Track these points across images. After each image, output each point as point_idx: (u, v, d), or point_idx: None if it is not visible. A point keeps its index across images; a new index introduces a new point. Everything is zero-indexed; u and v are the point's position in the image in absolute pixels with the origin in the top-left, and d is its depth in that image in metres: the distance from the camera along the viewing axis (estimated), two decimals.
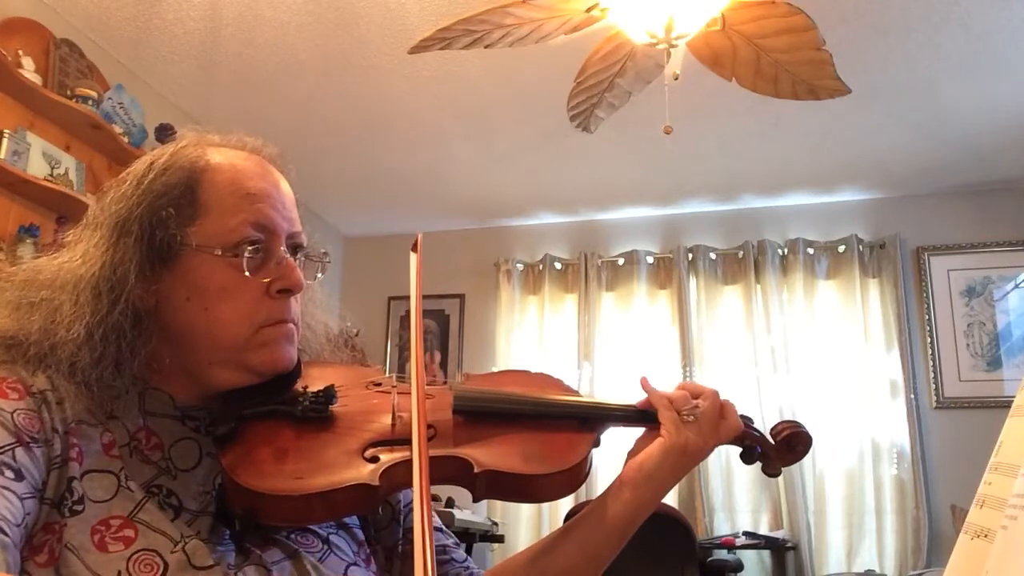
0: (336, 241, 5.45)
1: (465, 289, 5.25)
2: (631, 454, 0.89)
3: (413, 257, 0.84)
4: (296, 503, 0.73)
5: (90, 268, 0.78)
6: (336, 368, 0.92)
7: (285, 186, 0.86)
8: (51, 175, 2.97)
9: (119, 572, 0.68)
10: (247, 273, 0.79)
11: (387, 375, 0.92)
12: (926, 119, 3.88)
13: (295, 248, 0.85)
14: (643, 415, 0.91)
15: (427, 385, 0.83)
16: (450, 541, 0.94)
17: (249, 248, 0.79)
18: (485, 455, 0.79)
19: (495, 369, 4.94)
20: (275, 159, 0.89)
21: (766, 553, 4.38)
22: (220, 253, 0.79)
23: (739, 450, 0.92)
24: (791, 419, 0.92)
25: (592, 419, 0.88)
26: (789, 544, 4.26)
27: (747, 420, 0.91)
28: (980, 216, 4.59)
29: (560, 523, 1.07)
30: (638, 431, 0.92)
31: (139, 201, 0.80)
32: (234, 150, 0.86)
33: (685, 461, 0.87)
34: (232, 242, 0.79)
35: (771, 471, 0.92)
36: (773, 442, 0.90)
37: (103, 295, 0.76)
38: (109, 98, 3.18)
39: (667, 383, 0.89)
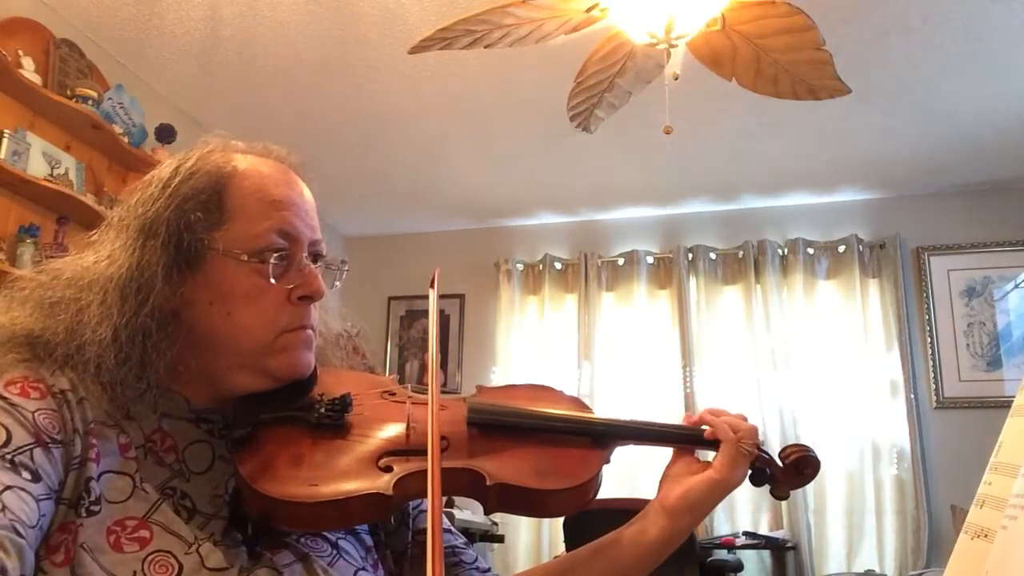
0: (336, 241, 5.45)
1: (465, 289, 5.25)
2: (669, 478, 0.89)
3: (432, 293, 0.87)
4: (310, 510, 0.73)
5: (117, 269, 0.78)
6: (350, 376, 0.93)
7: (308, 194, 0.87)
8: (51, 175, 2.97)
9: (134, 572, 0.68)
10: (272, 280, 0.80)
11: (402, 385, 0.92)
12: (926, 119, 3.88)
13: (315, 256, 0.85)
14: (675, 436, 0.91)
15: (441, 395, 0.84)
16: (459, 541, 0.95)
17: (274, 255, 0.80)
18: (498, 468, 0.79)
19: (495, 369, 4.97)
20: (298, 167, 0.89)
21: (766, 553, 4.38)
22: (246, 259, 0.79)
23: (748, 472, 0.92)
24: (800, 443, 0.92)
25: (604, 436, 0.88)
26: (789, 544, 4.27)
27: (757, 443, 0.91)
28: (980, 216, 4.59)
29: (559, 525, 1.08)
30: (649, 448, 0.92)
31: (167, 204, 0.80)
32: (259, 157, 0.87)
33: (727, 492, 0.87)
34: (258, 248, 0.80)
35: (779, 494, 0.92)
36: (782, 465, 0.90)
37: (130, 296, 0.77)
38: (109, 98, 3.18)
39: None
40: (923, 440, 4.39)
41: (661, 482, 0.90)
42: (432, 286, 0.89)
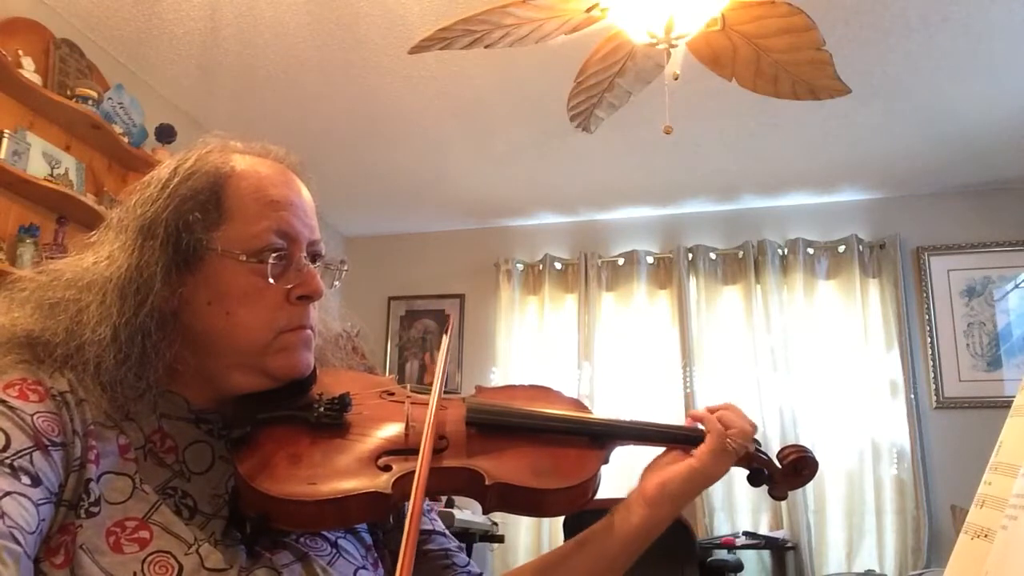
0: (336, 241, 5.45)
1: (465, 289, 5.25)
2: (652, 468, 0.89)
3: (444, 339, 0.89)
4: (309, 509, 0.73)
5: (116, 270, 0.78)
6: (350, 376, 0.93)
7: (306, 194, 0.87)
8: (51, 175, 2.97)
9: (134, 573, 0.68)
10: (271, 280, 0.80)
11: (400, 385, 0.93)
12: (926, 119, 3.88)
13: (314, 256, 0.86)
14: (673, 437, 0.91)
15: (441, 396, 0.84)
16: (452, 544, 0.95)
17: (273, 255, 0.80)
18: (496, 468, 0.80)
19: (495, 369, 4.97)
20: (296, 167, 0.89)
21: (766, 553, 4.38)
22: (244, 259, 0.79)
23: (746, 472, 0.92)
24: (798, 443, 0.92)
25: (603, 436, 0.88)
26: (789, 544, 4.26)
27: (755, 443, 0.91)
28: (980, 216, 4.59)
29: (560, 525, 1.08)
30: (649, 448, 0.92)
31: (165, 204, 0.80)
32: (258, 157, 0.87)
33: (707, 483, 0.87)
34: (256, 248, 0.80)
35: (777, 494, 0.92)
36: (780, 466, 0.90)
37: (129, 297, 0.77)
38: (109, 98, 3.18)
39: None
40: (923, 440, 4.39)
41: (643, 472, 0.90)
42: (446, 332, 0.92)
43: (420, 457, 0.71)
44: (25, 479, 0.66)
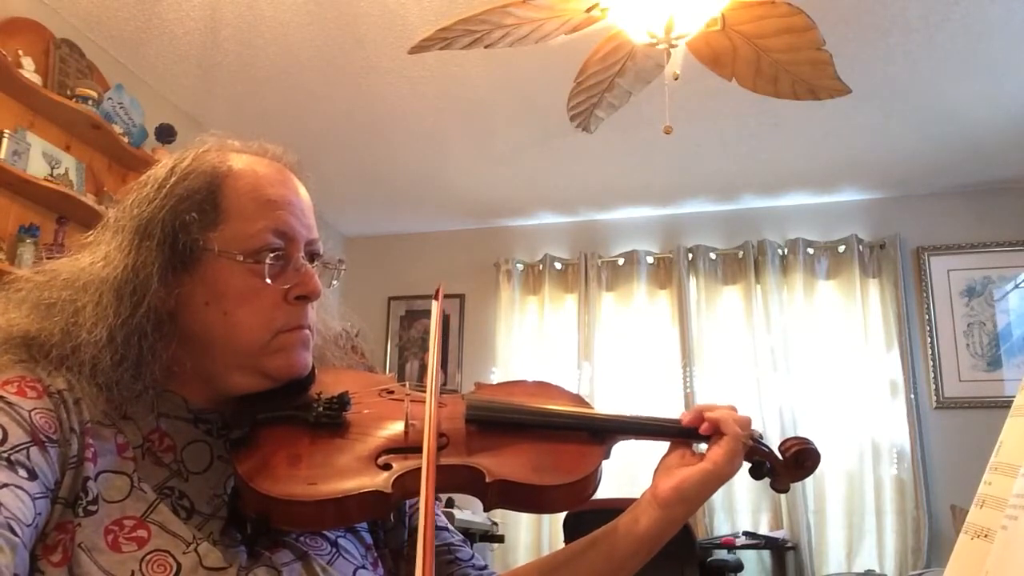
0: (336, 241, 5.45)
1: (465, 289, 5.25)
2: (662, 469, 0.88)
3: (435, 304, 0.89)
4: (309, 509, 0.73)
5: (112, 270, 0.78)
6: (349, 375, 0.93)
7: (304, 193, 0.87)
8: (51, 175, 2.97)
9: (132, 572, 0.68)
10: (268, 280, 0.79)
11: (399, 383, 0.92)
12: (926, 119, 3.88)
13: (312, 255, 0.85)
14: (674, 431, 0.90)
15: (440, 394, 0.84)
16: (456, 539, 0.95)
17: (270, 255, 0.80)
18: (497, 465, 0.79)
19: (495, 369, 4.98)
20: (294, 166, 0.89)
21: (766, 553, 4.38)
22: (241, 259, 0.79)
23: (748, 465, 0.91)
24: (800, 435, 0.92)
25: (603, 431, 0.88)
26: (789, 544, 4.27)
27: (756, 435, 0.91)
28: (980, 216, 4.59)
29: (560, 525, 1.07)
30: (648, 442, 0.92)
31: (161, 205, 0.80)
32: (255, 156, 0.86)
33: (721, 483, 0.86)
34: (253, 248, 0.79)
35: (780, 487, 0.91)
36: (782, 458, 0.90)
37: (125, 298, 0.76)
38: (109, 98, 3.18)
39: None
40: (923, 440, 4.39)
41: (655, 473, 0.89)
42: (436, 298, 0.91)
43: (425, 456, 0.71)
44: (22, 472, 0.66)
